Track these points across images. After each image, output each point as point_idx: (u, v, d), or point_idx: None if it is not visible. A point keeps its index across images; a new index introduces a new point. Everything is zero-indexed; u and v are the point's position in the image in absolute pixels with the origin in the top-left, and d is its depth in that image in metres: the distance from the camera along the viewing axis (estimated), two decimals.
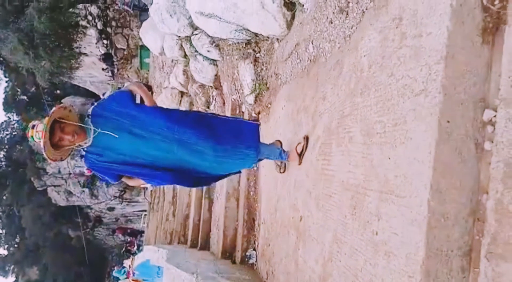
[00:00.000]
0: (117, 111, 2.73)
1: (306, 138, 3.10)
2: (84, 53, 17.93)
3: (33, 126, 2.52)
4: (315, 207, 2.73)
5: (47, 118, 2.52)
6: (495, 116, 1.56)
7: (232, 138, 2.86)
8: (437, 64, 1.61)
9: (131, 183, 3.05)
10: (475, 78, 1.60)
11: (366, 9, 2.28)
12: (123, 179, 2.93)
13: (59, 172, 23.17)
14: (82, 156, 2.83)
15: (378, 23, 2.13)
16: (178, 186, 8.81)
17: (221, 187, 5.62)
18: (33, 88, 24.41)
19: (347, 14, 2.47)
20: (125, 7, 15.45)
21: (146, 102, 2.81)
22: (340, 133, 2.46)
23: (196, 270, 4.09)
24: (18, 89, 25.63)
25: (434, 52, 1.63)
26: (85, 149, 2.71)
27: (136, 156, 2.75)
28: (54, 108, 2.61)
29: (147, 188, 15.28)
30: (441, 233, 1.57)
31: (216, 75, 6.16)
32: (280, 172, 3.60)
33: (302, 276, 2.83)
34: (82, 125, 2.64)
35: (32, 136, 2.52)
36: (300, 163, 3.17)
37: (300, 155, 3.14)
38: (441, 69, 1.59)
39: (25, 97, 25.67)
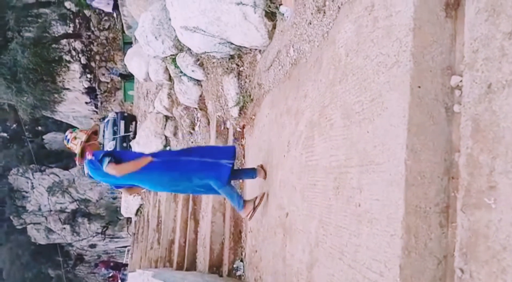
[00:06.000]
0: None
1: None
2: (67, 88, 18.02)
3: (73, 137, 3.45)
4: (300, 199, 2.80)
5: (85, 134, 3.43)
6: (461, 81, 1.69)
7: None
8: (406, 36, 1.76)
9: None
10: (441, 48, 1.75)
11: (342, 4, 2.45)
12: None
13: (39, 209, 22.66)
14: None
15: (353, 15, 2.30)
16: (163, 212, 8.74)
17: (206, 204, 5.63)
18: (14, 125, 24.20)
19: (324, 12, 2.65)
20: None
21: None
22: (321, 124, 2.57)
23: None
24: None
25: (403, 26, 1.78)
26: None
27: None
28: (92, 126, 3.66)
29: (131, 219, 15.03)
30: (418, 190, 1.66)
31: (200, 96, 6.30)
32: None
33: (290, 270, 2.86)
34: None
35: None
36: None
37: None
38: (410, 40, 1.74)
39: (5, 134, 25.37)
